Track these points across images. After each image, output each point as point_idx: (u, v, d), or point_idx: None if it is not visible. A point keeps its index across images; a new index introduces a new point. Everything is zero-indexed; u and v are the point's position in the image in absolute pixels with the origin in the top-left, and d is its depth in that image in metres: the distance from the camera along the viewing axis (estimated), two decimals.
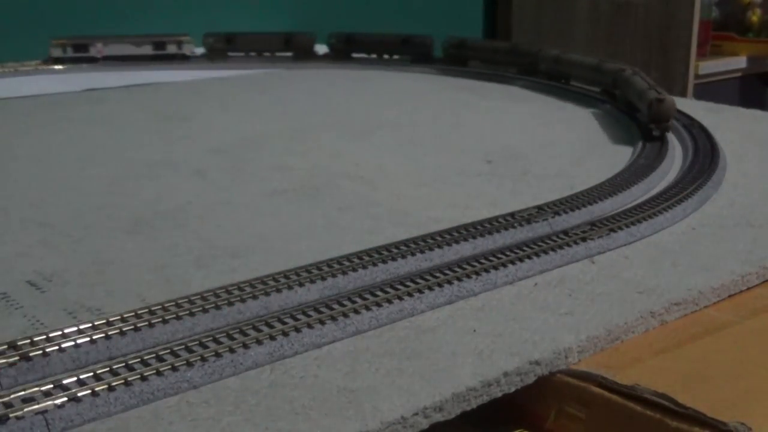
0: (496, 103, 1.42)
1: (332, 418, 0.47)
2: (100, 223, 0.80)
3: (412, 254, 0.66)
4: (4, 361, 0.50)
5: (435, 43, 1.78)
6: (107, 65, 1.73)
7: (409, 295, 0.60)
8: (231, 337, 0.53)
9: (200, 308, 0.57)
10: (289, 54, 1.82)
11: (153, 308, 0.56)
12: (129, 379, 0.48)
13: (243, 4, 2.09)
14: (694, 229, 0.76)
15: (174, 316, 0.56)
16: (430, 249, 0.67)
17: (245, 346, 0.52)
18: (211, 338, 0.53)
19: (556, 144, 1.12)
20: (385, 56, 1.81)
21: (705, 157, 0.96)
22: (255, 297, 0.58)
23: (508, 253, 0.67)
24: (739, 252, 0.71)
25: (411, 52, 1.78)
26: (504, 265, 0.65)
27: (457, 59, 1.73)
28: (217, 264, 0.69)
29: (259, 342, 0.53)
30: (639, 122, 1.14)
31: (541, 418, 0.54)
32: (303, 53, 1.81)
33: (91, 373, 0.49)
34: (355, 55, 1.83)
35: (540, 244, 0.69)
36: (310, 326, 0.55)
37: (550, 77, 1.52)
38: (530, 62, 1.58)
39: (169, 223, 0.80)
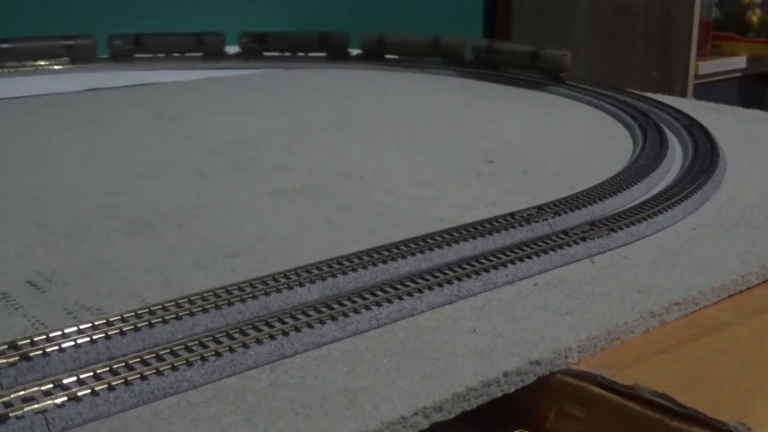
0: (496, 103, 1.42)
1: (332, 418, 0.47)
2: (100, 223, 0.80)
3: (412, 254, 0.66)
4: (4, 361, 0.50)
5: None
6: (108, 65, 1.72)
7: (409, 295, 0.60)
8: (231, 337, 0.53)
9: (200, 308, 0.57)
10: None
11: (153, 308, 0.56)
12: (129, 378, 0.48)
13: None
14: (694, 229, 0.76)
15: (174, 316, 0.56)
16: (430, 249, 0.67)
17: (245, 345, 0.52)
18: (211, 338, 0.53)
19: (556, 144, 1.12)
20: (175, 54, 1.81)
21: (705, 157, 0.96)
22: (255, 297, 0.58)
23: (508, 253, 0.67)
24: (739, 252, 0.71)
25: (203, 50, 1.80)
26: (504, 265, 0.65)
27: (257, 52, 1.82)
28: (217, 264, 0.69)
29: (259, 342, 0.53)
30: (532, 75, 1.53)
31: (541, 418, 0.54)
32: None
33: (91, 373, 0.49)
34: (138, 55, 1.80)
35: (540, 244, 0.69)
36: (310, 326, 0.55)
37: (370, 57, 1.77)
38: (340, 46, 1.78)
39: (169, 223, 0.80)
